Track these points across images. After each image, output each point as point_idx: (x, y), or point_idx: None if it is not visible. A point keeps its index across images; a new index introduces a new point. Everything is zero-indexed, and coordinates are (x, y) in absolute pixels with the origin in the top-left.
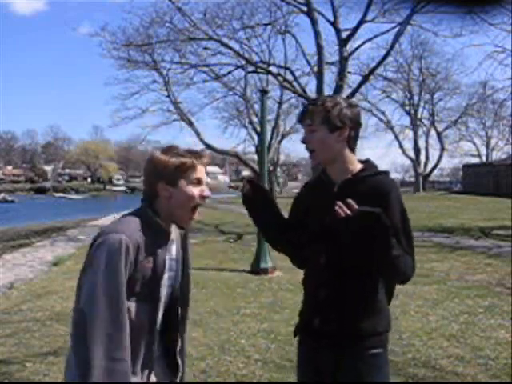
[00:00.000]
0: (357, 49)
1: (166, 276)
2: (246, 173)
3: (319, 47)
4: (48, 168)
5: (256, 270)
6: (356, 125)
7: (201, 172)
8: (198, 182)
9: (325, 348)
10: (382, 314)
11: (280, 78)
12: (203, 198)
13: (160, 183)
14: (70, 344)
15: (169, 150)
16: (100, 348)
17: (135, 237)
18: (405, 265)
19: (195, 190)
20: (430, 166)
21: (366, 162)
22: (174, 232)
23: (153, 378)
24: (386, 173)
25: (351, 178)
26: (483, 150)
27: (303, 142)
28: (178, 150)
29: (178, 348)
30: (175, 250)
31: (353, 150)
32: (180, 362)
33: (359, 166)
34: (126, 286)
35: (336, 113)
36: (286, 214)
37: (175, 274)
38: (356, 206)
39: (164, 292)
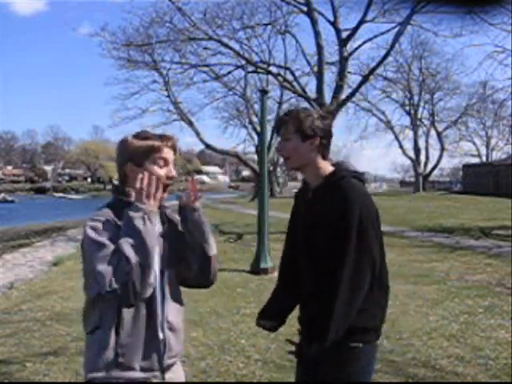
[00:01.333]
0: (357, 49)
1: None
2: (246, 173)
3: (319, 47)
4: (48, 168)
5: (256, 269)
6: (327, 134)
7: (167, 153)
8: (165, 163)
9: (308, 342)
10: (364, 311)
11: (280, 78)
12: (169, 178)
13: (128, 164)
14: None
15: (138, 134)
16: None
17: (110, 216)
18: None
19: (161, 171)
20: (430, 166)
21: (336, 166)
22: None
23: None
24: (348, 176)
25: (321, 183)
26: (483, 150)
27: (278, 149)
28: (147, 134)
29: (159, 320)
30: (157, 228)
31: (325, 157)
32: (170, 337)
33: (329, 171)
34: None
35: (308, 123)
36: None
37: (162, 250)
38: None
39: (156, 267)
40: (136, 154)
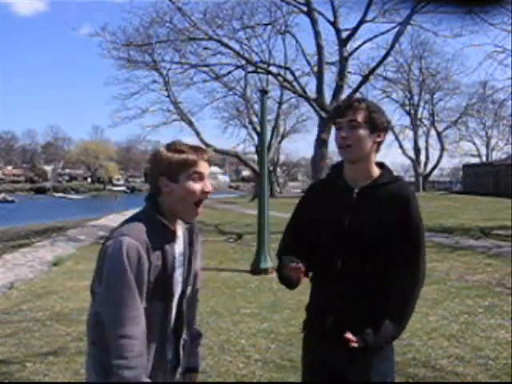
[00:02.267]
0: (357, 49)
1: (177, 272)
2: (246, 173)
3: (319, 47)
4: (48, 168)
5: (256, 269)
6: (387, 131)
7: (202, 167)
8: (200, 177)
9: (336, 342)
10: None
11: (280, 78)
12: (205, 193)
13: (161, 178)
14: (87, 348)
15: (172, 145)
16: (114, 352)
17: (143, 237)
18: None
19: (196, 186)
20: (430, 166)
21: (383, 167)
22: (181, 227)
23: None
24: (403, 179)
25: (371, 183)
26: (483, 150)
27: (343, 136)
28: (181, 145)
29: (182, 341)
30: (182, 245)
31: (376, 154)
32: (182, 355)
33: (378, 171)
34: (139, 284)
35: (379, 116)
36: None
37: (183, 269)
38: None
39: (178, 289)
40: (170, 168)
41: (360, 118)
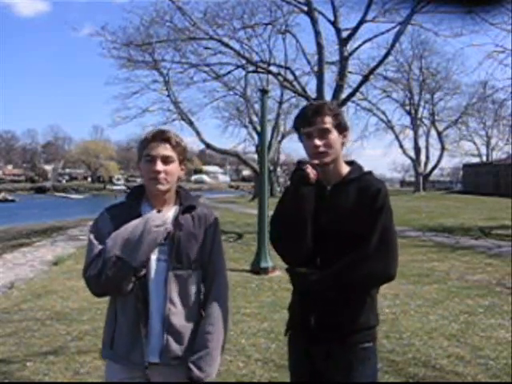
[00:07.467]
0: (357, 48)
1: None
2: (246, 172)
3: (319, 47)
4: (48, 168)
5: (256, 269)
6: (348, 130)
7: (152, 150)
8: (151, 159)
9: (318, 341)
10: (373, 309)
11: (280, 78)
12: (153, 172)
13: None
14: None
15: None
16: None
17: (112, 212)
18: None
19: (147, 166)
20: (430, 166)
21: (353, 164)
22: (173, 209)
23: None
24: (371, 173)
25: (342, 180)
26: (483, 150)
27: (317, 145)
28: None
29: (151, 319)
30: (169, 225)
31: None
32: (168, 338)
33: (347, 169)
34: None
35: (342, 116)
36: None
37: (167, 247)
38: None
39: (153, 265)
40: (138, 153)
41: (329, 123)
